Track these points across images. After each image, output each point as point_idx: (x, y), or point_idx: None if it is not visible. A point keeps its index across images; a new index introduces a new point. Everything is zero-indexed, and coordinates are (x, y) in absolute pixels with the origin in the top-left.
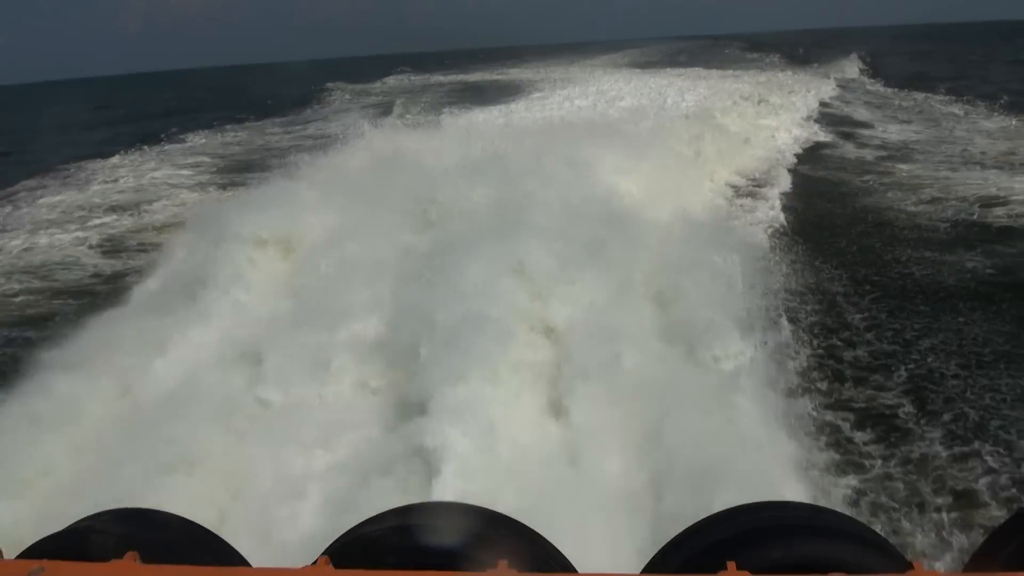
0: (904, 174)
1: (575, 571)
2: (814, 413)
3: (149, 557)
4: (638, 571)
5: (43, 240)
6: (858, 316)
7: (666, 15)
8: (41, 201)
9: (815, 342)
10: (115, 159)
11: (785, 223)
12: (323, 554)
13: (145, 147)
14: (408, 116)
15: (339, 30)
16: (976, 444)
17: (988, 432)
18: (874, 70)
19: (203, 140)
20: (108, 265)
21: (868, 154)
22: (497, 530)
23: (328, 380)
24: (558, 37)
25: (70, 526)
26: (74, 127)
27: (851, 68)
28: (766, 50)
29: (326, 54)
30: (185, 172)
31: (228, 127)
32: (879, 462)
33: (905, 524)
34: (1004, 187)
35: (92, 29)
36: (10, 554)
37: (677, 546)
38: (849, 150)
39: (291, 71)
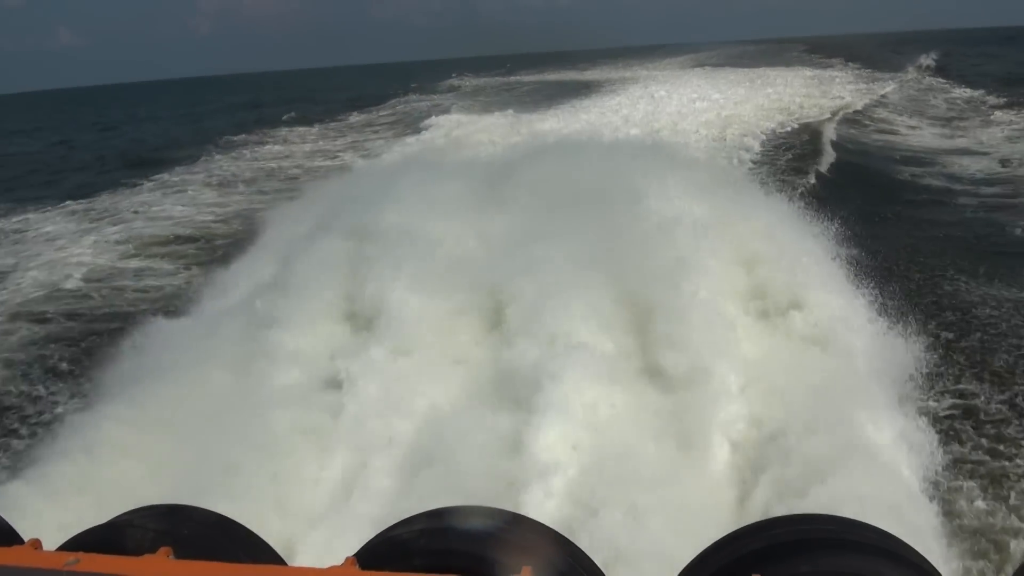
0: (870, 117)
1: None
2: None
3: (183, 552)
4: None
5: (319, 162)
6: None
7: (727, 19)
8: (275, 149)
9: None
10: (285, 131)
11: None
12: (353, 555)
13: (315, 124)
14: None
15: (402, 34)
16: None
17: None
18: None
19: (360, 117)
20: None
21: (865, 102)
22: (525, 535)
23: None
24: (621, 41)
25: (109, 520)
26: (191, 116)
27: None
28: (829, 51)
29: (383, 59)
30: (376, 133)
31: (371, 108)
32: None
33: None
34: (914, 129)
35: (162, 34)
36: (49, 546)
37: (704, 560)
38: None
39: (362, 74)
